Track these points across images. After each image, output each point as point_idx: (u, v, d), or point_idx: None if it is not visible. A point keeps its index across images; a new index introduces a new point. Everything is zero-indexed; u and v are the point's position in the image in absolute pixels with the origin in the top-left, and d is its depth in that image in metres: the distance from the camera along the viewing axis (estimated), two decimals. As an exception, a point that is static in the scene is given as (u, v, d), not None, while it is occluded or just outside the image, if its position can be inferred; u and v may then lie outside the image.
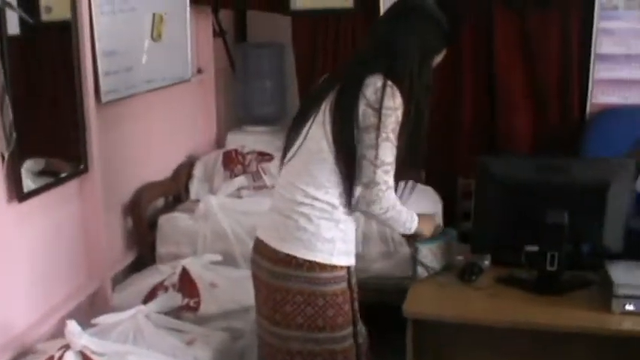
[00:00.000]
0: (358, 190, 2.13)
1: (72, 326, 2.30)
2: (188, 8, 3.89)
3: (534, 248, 2.55)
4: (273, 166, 3.89)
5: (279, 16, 4.14)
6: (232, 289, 2.94)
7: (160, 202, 3.72)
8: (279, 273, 2.18)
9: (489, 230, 2.61)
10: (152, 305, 2.74)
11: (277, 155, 3.84)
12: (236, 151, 4.01)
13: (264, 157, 3.98)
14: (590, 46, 3.71)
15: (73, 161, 2.83)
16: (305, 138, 2.19)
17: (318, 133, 2.15)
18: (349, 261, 2.23)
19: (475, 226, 2.65)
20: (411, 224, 2.24)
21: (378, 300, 3.01)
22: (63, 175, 2.77)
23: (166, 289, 2.94)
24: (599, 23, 3.68)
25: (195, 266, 3.02)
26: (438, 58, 2.29)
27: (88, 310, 2.88)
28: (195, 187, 3.90)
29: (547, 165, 2.56)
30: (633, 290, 2.36)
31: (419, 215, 2.28)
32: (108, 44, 3.06)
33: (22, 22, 2.49)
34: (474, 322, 2.47)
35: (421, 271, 2.62)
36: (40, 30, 2.63)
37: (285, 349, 2.22)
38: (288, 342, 2.22)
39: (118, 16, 3.15)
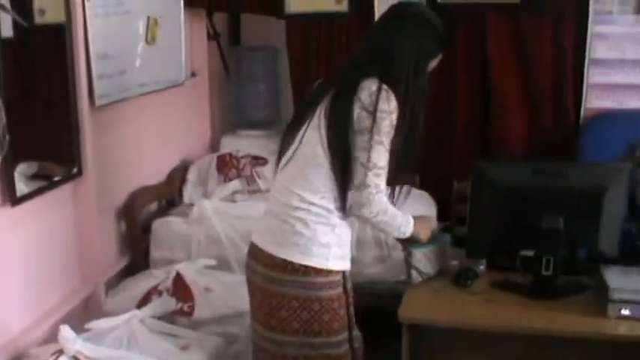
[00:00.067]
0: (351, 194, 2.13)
1: (65, 331, 2.29)
2: (182, 11, 3.89)
3: (530, 253, 2.54)
4: (267, 170, 3.88)
5: (273, 20, 4.14)
6: (227, 293, 2.93)
7: (154, 206, 3.70)
8: (274, 278, 2.17)
9: (485, 235, 2.61)
10: (146, 310, 2.72)
11: (272, 159, 3.84)
12: (230, 155, 4.00)
13: (258, 161, 3.98)
14: (584, 51, 3.72)
15: (66, 165, 2.82)
16: (300, 142, 2.19)
17: (313, 138, 2.15)
18: (345, 265, 2.23)
19: (470, 230, 2.64)
20: (406, 228, 2.24)
21: (373, 304, 3.00)
22: (56, 178, 2.77)
23: (160, 293, 2.92)
24: (593, 28, 3.68)
25: (189, 271, 3.01)
26: (434, 63, 2.29)
27: (82, 315, 2.87)
28: (189, 191, 3.89)
29: (543, 169, 2.55)
30: (629, 295, 2.36)
31: (416, 218, 2.27)
32: (102, 47, 3.05)
33: (16, 25, 2.48)
34: (469, 327, 2.46)
35: (415, 276, 2.60)
36: (33, 33, 2.62)
37: (281, 354, 2.21)
38: (283, 347, 2.20)
39: (112, 19, 3.15)
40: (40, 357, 2.34)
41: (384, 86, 2.09)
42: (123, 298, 2.99)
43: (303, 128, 2.19)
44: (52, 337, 2.50)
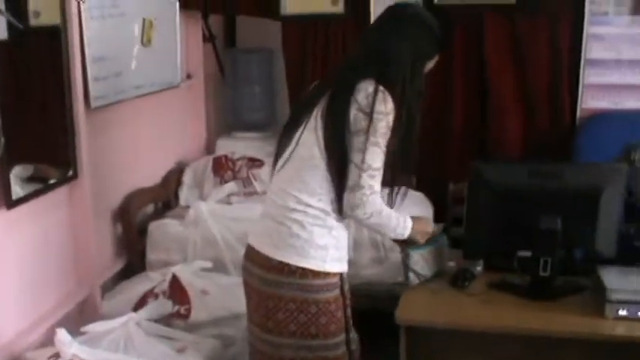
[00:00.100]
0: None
1: (62, 335, 2.28)
2: (178, 13, 3.88)
3: (527, 254, 2.54)
4: (263, 172, 3.87)
5: (268, 22, 4.13)
6: (223, 296, 2.93)
7: (150, 208, 3.69)
8: (271, 280, 2.17)
9: (482, 236, 2.60)
10: (142, 313, 2.72)
11: (267, 161, 3.85)
12: (226, 157, 3.99)
13: (254, 162, 3.97)
14: (580, 51, 3.72)
15: (61, 167, 2.80)
16: (297, 144, 2.18)
17: (309, 140, 2.14)
18: (342, 268, 2.22)
19: (468, 231, 2.64)
20: (404, 230, 2.22)
21: (369, 306, 3.00)
22: (52, 181, 2.75)
23: (157, 296, 2.91)
24: (589, 28, 3.69)
25: (185, 273, 3.00)
26: (430, 64, 2.28)
27: (78, 318, 2.86)
28: (185, 194, 3.88)
29: (539, 170, 2.55)
30: (626, 295, 2.36)
31: (414, 219, 2.26)
32: (97, 49, 3.04)
33: (10, 27, 2.47)
34: (467, 328, 2.45)
35: (413, 278, 2.60)
36: (28, 35, 2.61)
37: (278, 356, 2.20)
38: (280, 349, 2.20)
39: (108, 21, 3.14)
40: (36, 360, 2.33)
41: (381, 88, 2.09)
42: (119, 301, 2.98)
43: (300, 130, 2.18)
44: (48, 340, 2.49)
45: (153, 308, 2.79)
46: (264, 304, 2.20)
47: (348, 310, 2.25)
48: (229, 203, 3.71)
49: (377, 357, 2.59)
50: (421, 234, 2.36)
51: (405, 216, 2.23)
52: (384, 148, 2.08)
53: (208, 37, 4.41)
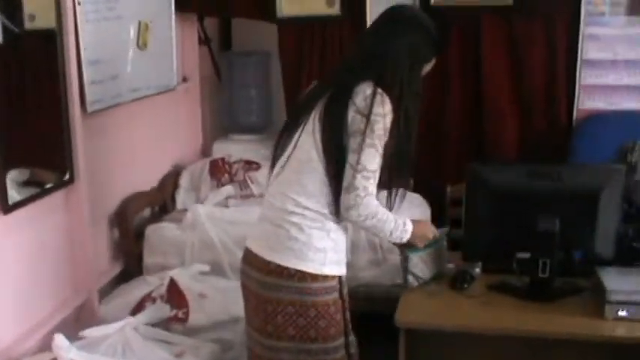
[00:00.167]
0: None
1: (59, 340, 2.27)
2: (173, 16, 3.87)
3: (526, 255, 2.54)
4: (260, 174, 3.86)
5: (264, 24, 4.12)
6: (221, 299, 2.92)
7: (147, 212, 3.68)
8: (270, 284, 2.16)
9: (481, 238, 2.60)
10: (140, 317, 2.71)
11: (264, 164, 3.84)
12: (223, 160, 3.98)
13: (251, 165, 3.96)
14: (576, 52, 3.72)
15: (58, 171, 2.79)
16: (295, 147, 2.18)
17: (307, 142, 2.14)
18: (340, 270, 2.22)
19: (466, 233, 2.63)
20: (403, 234, 2.21)
21: (367, 308, 3.00)
22: (48, 185, 2.74)
23: (154, 300, 2.90)
24: (585, 29, 3.69)
25: (183, 277, 2.99)
26: (428, 67, 2.28)
27: (75, 323, 2.84)
28: (182, 197, 3.87)
29: (538, 172, 2.55)
30: (626, 296, 2.36)
31: (415, 222, 2.25)
32: (93, 53, 3.03)
33: (6, 31, 2.45)
34: (466, 330, 2.45)
35: (412, 281, 2.59)
36: (23, 38, 2.60)
37: (277, 360, 2.20)
38: (279, 353, 2.19)
39: (104, 24, 3.13)
40: (34, 366, 2.32)
41: (379, 90, 2.09)
42: (116, 306, 2.97)
43: (298, 133, 2.18)
44: (46, 346, 2.48)
45: (151, 312, 2.77)
46: (262, 307, 2.19)
47: (347, 313, 2.25)
48: (226, 206, 3.69)
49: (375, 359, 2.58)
50: (420, 238, 2.36)
51: (405, 219, 2.22)
52: (380, 151, 2.07)
53: (204, 40, 4.40)
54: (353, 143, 2.06)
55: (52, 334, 2.39)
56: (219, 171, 3.92)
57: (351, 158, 2.06)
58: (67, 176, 2.81)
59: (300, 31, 4.01)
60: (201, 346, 2.69)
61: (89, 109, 3.02)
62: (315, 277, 2.14)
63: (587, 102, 3.80)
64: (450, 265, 2.70)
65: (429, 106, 3.33)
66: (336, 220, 2.16)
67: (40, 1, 2.69)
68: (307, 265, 2.13)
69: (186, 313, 2.85)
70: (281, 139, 2.26)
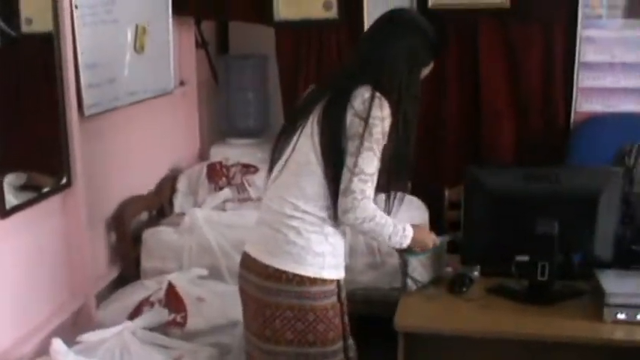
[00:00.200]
0: None
1: (57, 344, 2.26)
2: (170, 19, 3.86)
3: (525, 258, 2.54)
4: (257, 178, 3.86)
5: (261, 27, 4.11)
6: (220, 303, 2.91)
7: (144, 216, 3.67)
8: (268, 288, 2.15)
9: (479, 241, 2.60)
10: (138, 321, 2.70)
11: (262, 167, 3.84)
12: (220, 163, 3.97)
13: (248, 169, 3.95)
14: (574, 55, 3.72)
15: (55, 175, 2.78)
16: (293, 151, 2.17)
17: (306, 146, 2.13)
18: (339, 274, 2.21)
19: (465, 236, 2.63)
20: (403, 239, 2.20)
21: (365, 311, 2.99)
22: (46, 189, 2.73)
23: (152, 304, 2.89)
24: (582, 32, 3.69)
25: (181, 281, 2.99)
26: (426, 71, 2.28)
27: (73, 328, 2.83)
28: (180, 201, 3.86)
29: (536, 174, 2.55)
30: (625, 299, 2.36)
31: (415, 228, 2.25)
32: (90, 56, 3.02)
33: (2, 34, 2.45)
34: (465, 333, 2.44)
35: (410, 284, 2.59)
36: (20, 42, 2.59)
37: (275, 364, 2.19)
38: (277, 358, 2.19)
39: (101, 27, 3.12)
40: (31, 371, 2.31)
41: (378, 94, 2.08)
42: (114, 310, 2.96)
43: (296, 136, 2.18)
44: (43, 350, 2.47)
45: (149, 317, 2.77)
46: (261, 312, 2.18)
47: (346, 317, 2.24)
48: (224, 210, 3.69)
49: (373, 363, 2.58)
50: (420, 244, 2.34)
51: (405, 225, 2.21)
52: (378, 155, 2.07)
53: (201, 44, 4.39)
54: (351, 146, 2.06)
55: (49, 338, 2.38)
56: (217, 174, 3.91)
57: (349, 161, 2.06)
58: (64, 180, 2.80)
59: (298, 34, 4.00)
60: (200, 351, 2.68)
61: (86, 112, 3.01)
62: (313, 281, 2.13)
63: (584, 104, 3.81)
64: (449, 269, 2.69)
65: (426, 109, 3.31)
66: (334, 224, 2.15)
67: (37, 4, 2.68)
68: (306, 269, 2.12)
69: (185, 318, 2.85)
70: (279, 143, 2.25)
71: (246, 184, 3.88)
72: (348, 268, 2.28)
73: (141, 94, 3.55)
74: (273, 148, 2.28)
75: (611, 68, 3.73)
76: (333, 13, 3.92)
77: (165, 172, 3.97)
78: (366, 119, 2.05)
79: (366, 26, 3.67)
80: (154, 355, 2.56)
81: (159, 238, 3.41)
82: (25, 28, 2.62)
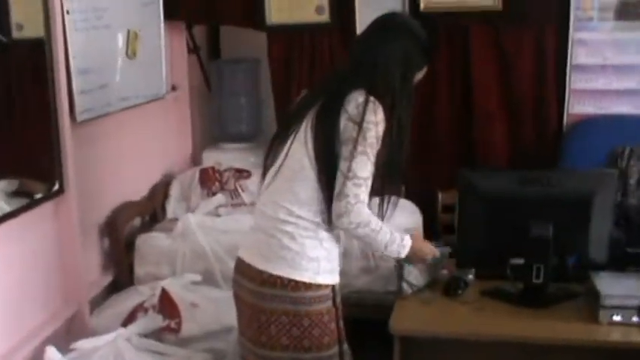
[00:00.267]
0: None
1: (51, 352, 2.25)
2: (162, 24, 3.85)
3: (519, 261, 2.54)
4: (251, 183, 3.85)
5: (252, 32, 4.10)
6: (214, 309, 2.90)
7: (137, 221, 3.65)
8: (263, 294, 2.14)
9: (474, 244, 2.60)
10: (132, 328, 2.69)
11: (255, 172, 3.83)
12: (213, 168, 3.96)
13: (241, 174, 3.94)
14: (566, 57, 3.73)
15: (47, 182, 2.76)
16: (286, 156, 2.16)
17: (299, 151, 2.13)
18: (334, 279, 2.20)
19: (459, 240, 2.63)
20: (400, 249, 2.17)
21: (360, 315, 2.98)
22: (38, 196, 2.71)
23: (146, 310, 2.88)
24: (574, 34, 3.70)
25: (175, 287, 2.97)
26: (420, 75, 2.28)
27: (66, 335, 2.82)
28: (172, 206, 3.85)
29: (530, 177, 2.55)
30: (620, 301, 2.37)
31: (414, 239, 2.24)
32: (82, 62, 3.01)
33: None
34: (461, 336, 2.45)
35: (406, 288, 2.59)
36: (11, 48, 2.58)
37: (271, 370, 2.18)
38: (273, 363, 2.17)
39: (92, 33, 3.11)
40: (25, 379, 2.29)
41: (371, 98, 2.08)
42: (108, 317, 2.94)
43: (289, 141, 2.17)
44: (37, 358, 2.45)
45: (143, 323, 2.75)
46: (256, 317, 2.17)
47: (341, 322, 2.23)
48: (217, 215, 3.68)
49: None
50: (418, 254, 2.33)
51: (404, 234, 2.20)
52: (372, 159, 2.06)
53: (193, 49, 4.38)
54: (345, 151, 2.05)
55: (43, 346, 2.37)
56: (210, 180, 3.90)
57: (343, 166, 2.05)
58: (56, 186, 2.78)
59: (290, 38, 3.99)
60: (194, 357, 2.67)
61: (79, 118, 3.00)
62: (308, 287, 2.12)
63: (576, 107, 3.81)
64: (444, 272, 2.69)
65: (418, 112, 3.32)
66: (328, 229, 2.15)
67: (28, 10, 2.67)
68: (301, 275, 2.11)
69: (179, 324, 2.83)
70: (272, 148, 2.24)
71: (240, 190, 3.86)
72: (342, 272, 2.27)
73: (133, 99, 3.54)
74: (266, 154, 2.27)
75: (602, 70, 3.74)
76: (325, 18, 3.92)
77: (158, 178, 3.96)
78: (360, 123, 2.04)
79: (358, 30, 3.67)
80: (148, 361, 2.55)
81: (152, 243, 3.40)
82: (15, 34, 2.60)
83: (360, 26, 3.71)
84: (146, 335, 2.71)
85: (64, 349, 2.44)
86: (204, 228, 3.39)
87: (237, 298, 2.27)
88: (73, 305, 2.92)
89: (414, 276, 2.58)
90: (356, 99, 2.08)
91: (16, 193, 2.60)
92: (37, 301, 2.74)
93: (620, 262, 2.58)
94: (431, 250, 2.41)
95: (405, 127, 2.17)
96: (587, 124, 3.77)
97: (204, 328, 2.84)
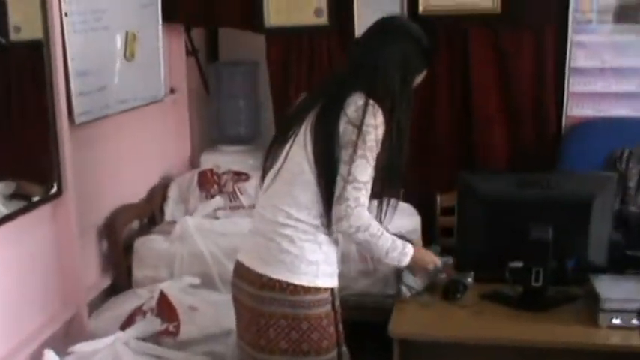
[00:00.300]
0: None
1: (50, 355, 2.25)
2: (160, 27, 3.85)
3: (518, 264, 2.53)
4: (249, 186, 3.84)
5: (251, 34, 4.10)
6: (212, 312, 2.89)
7: (135, 224, 3.64)
8: (262, 297, 2.14)
9: (473, 247, 2.59)
10: (131, 331, 2.68)
11: (253, 175, 3.83)
12: (211, 171, 3.95)
13: (240, 176, 3.93)
14: (564, 60, 3.73)
15: (45, 184, 2.75)
16: (286, 159, 2.16)
17: (299, 154, 2.12)
18: (333, 283, 2.20)
19: (459, 242, 2.63)
20: (402, 257, 2.17)
21: (358, 317, 2.98)
22: (36, 198, 2.70)
23: (145, 313, 2.87)
24: (573, 37, 3.70)
25: (173, 290, 2.97)
26: (419, 78, 2.27)
27: (64, 338, 2.81)
28: (171, 209, 3.84)
29: (530, 180, 2.55)
30: (620, 304, 2.36)
31: (416, 248, 2.23)
32: (81, 64, 3.00)
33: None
34: (460, 340, 2.44)
35: (405, 291, 2.59)
36: (9, 50, 2.57)
37: (270, 374, 2.17)
38: (272, 367, 2.17)
39: (91, 35, 3.10)
40: (23, 383, 2.29)
41: (371, 101, 2.08)
42: (106, 320, 2.93)
43: (288, 144, 2.16)
44: (35, 361, 2.45)
45: (141, 326, 2.75)
46: (255, 321, 2.16)
47: (340, 325, 2.23)
48: (216, 218, 3.67)
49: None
50: (420, 263, 2.33)
51: (406, 243, 2.19)
52: (372, 162, 2.06)
53: (191, 51, 4.38)
54: (344, 155, 2.05)
55: (41, 349, 2.36)
56: (208, 182, 3.89)
57: (343, 169, 2.05)
58: (54, 189, 2.77)
59: (288, 41, 3.99)
60: (193, 360, 2.67)
61: (77, 120, 2.99)
62: (307, 290, 2.11)
63: (575, 109, 3.81)
64: (442, 275, 2.68)
65: (417, 115, 3.32)
66: (327, 232, 2.14)
67: (26, 12, 2.66)
68: (300, 278, 2.11)
69: (177, 327, 2.83)
70: (271, 151, 2.24)
71: (238, 192, 3.86)
72: (340, 275, 2.27)
73: (131, 101, 3.53)
74: (265, 157, 2.26)
75: (601, 73, 3.74)
76: (323, 20, 3.91)
77: (156, 180, 3.95)
78: (359, 127, 2.04)
79: (357, 33, 3.69)
80: (146, 365, 2.54)
81: (150, 246, 3.39)
82: (13, 37, 2.59)
83: (359, 29, 3.73)
84: (144, 338, 2.70)
85: (62, 352, 2.44)
86: (202, 231, 3.38)
87: (236, 301, 2.26)
88: (71, 308, 2.91)
89: (413, 279, 2.57)
90: (355, 102, 2.07)
91: (14, 196, 2.59)
92: (36, 304, 2.73)
93: (619, 264, 2.58)
94: (432, 259, 2.40)
95: (404, 130, 2.16)
96: (585, 126, 3.78)
97: (203, 331, 2.84)
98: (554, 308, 2.51)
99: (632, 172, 3.42)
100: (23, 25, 2.65)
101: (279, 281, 2.10)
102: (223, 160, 4.16)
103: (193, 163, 4.37)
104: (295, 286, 2.10)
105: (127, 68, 3.47)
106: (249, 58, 4.41)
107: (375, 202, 2.19)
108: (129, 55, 3.49)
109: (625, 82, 3.73)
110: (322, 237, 2.13)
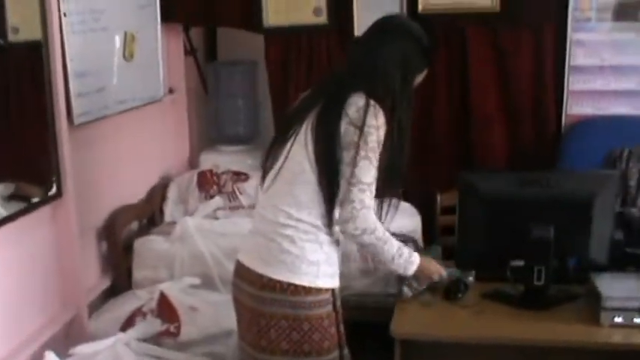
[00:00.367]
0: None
1: (50, 357, 2.24)
2: (159, 27, 3.84)
3: (520, 263, 2.53)
4: (248, 185, 3.84)
5: (249, 34, 4.09)
6: (213, 312, 2.89)
7: (134, 225, 3.63)
8: (263, 298, 2.13)
9: (474, 246, 2.59)
10: (131, 332, 2.67)
11: (253, 174, 3.82)
12: (211, 171, 3.94)
13: (239, 176, 3.92)
14: (563, 58, 3.73)
15: (44, 185, 2.75)
16: (286, 159, 2.15)
17: (299, 154, 2.11)
18: (334, 283, 2.19)
19: (459, 242, 2.62)
20: (408, 264, 2.19)
21: (359, 317, 2.97)
22: (35, 200, 2.69)
23: (145, 315, 2.87)
24: (572, 35, 3.69)
25: (173, 290, 2.96)
26: (420, 78, 2.27)
27: (65, 340, 2.80)
28: (170, 209, 3.83)
29: (531, 179, 2.54)
30: (622, 302, 2.36)
31: (422, 258, 2.24)
32: (80, 64, 2.99)
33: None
34: (462, 339, 2.43)
35: (406, 291, 2.58)
36: (8, 51, 2.56)
37: (271, 375, 2.17)
38: (273, 368, 2.16)
39: (90, 35, 3.09)
40: (24, 385, 2.28)
41: (372, 101, 2.07)
42: (106, 321, 2.93)
43: (289, 144, 2.16)
44: (35, 363, 2.44)
45: (142, 327, 2.74)
46: (255, 321, 2.16)
47: (341, 326, 2.22)
48: (215, 218, 3.66)
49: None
50: (425, 273, 2.35)
51: (412, 251, 2.20)
52: (375, 163, 2.06)
53: (190, 51, 4.37)
54: (347, 156, 2.05)
55: (42, 350, 2.35)
56: (208, 182, 3.89)
57: (346, 171, 2.04)
58: (54, 190, 2.76)
59: (287, 40, 3.98)
60: (194, 361, 2.66)
61: (76, 121, 2.98)
62: (308, 291, 2.11)
63: (575, 107, 3.81)
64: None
65: (417, 115, 3.31)
66: (328, 233, 2.14)
67: (24, 13, 2.65)
68: (300, 279, 2.10)
69: (178, 328, 2.82)
70: (271, 151, 2.23)
71: (237, 192, 3.85)
72: (341, 275, 2.27)
73: (130, 102, 3.52)
74: (265, 156, 2.26)
75: (601, 71, 3.74)
76: (322, 19, 3.90)
77: (156, 181, 3.94)
78: (361, 128, 2.03)
79: (356, 32, 3.69)
80: (147, 366, 2.54)
81: (150, 247, 3.38)
82: (11, 37, 2.58)
83: (358, 28, 3.73)
84: (145, 339, 2.69)
85: (62, 353, 2.43)
86: (202, 231, 3.37)
87: (237, 301, 2.26)
88: (71, 309, 2.90)
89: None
90: (356, 103, 2.07)
91: (13, 197, 2.58)
92: (36, 306, 2.73)
93: (622, 263, 2.58)
94: (437, 269, 2.41)
95: (405, 130, 2.16)
96: (585, 125, 3.77)
97: (204, 332, 2.83)
98: (555, 307, 2.51)
99: (633, 172, 3.42)
100: (22, 26, 2.64)
101: (279, 282, 2.10)
102: (222, 160, 4.15)
103: (192, 163, 4.36)
104: (296, 286, 2.10)
105: (125, 69, 3.46)
106: (247, 58, 4.41)
107: (376, 202, 2.19)
108: (128, 56, 3.48)
109: (624, 80, 3.73)
110: (323, 237, 2.13)
